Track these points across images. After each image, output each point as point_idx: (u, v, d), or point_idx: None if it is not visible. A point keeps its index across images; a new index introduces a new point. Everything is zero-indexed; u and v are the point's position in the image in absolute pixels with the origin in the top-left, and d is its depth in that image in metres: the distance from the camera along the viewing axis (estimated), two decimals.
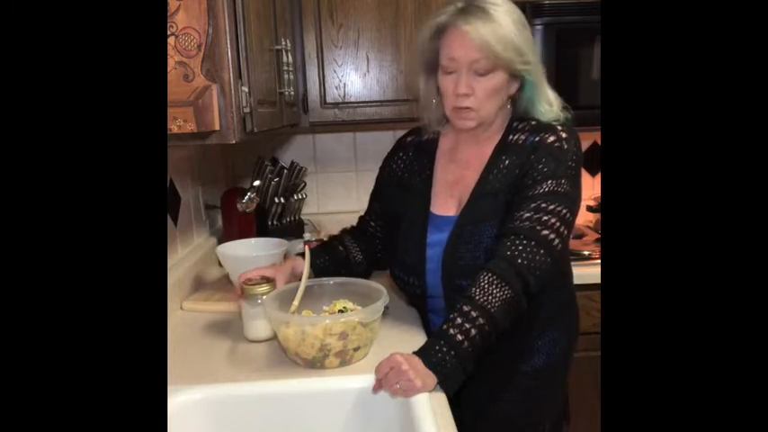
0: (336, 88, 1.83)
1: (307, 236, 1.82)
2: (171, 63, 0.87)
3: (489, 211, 1.10)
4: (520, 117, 1.16)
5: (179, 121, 0.86)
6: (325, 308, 1.22)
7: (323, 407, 1.00)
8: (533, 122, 1.14)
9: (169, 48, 0.86)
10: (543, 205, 1.05)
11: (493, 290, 1.00)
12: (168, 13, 0.85)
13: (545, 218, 1.04)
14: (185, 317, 1.39)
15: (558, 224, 1.05)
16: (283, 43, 1.34)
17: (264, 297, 1.14)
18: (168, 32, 0.86)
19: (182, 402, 0.96)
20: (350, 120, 1.86)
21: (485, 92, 1.09)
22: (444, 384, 0.95)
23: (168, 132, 0.85)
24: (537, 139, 1.10)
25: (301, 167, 2.06)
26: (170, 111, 0.85)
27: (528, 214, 1.05)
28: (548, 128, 1.11)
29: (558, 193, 1.06)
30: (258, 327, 1.20)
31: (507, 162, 1.12)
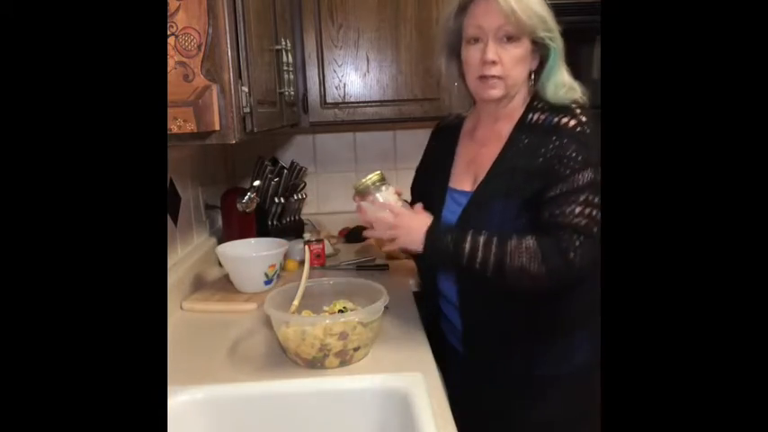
0: (336, 88, 1.83)
1: (307, 236, 1.82)
2: (171, 63, 0.87)
3: (503, 188, 1.09)
4: (539, 97, 1.15)
5: (179, 121, 0.86)
6: (325, 308, 1.22)
7: (323, 407, 1.00)
8: (552, 103, 1.13)
9: (169, 48, 0.86)
10: (590, 198, 1.03)
11: (523, 258, 1.02)
12: (168, 13, 0.85)
13: (594, 212, 1.03)
14: (185, 317, 1.39)
15: (599, 218, 1.03)
16: (283, 43, 1.34)
17: (383, 188, 1.14)
18: (168, 32, 0.86)
19: (182, 402, 0.96)
20: (350, 120, 1.86)
21: (512, 59, 1.09)
22: (420, 261, 1.06)
23: (168, 132, 0.85)
24: (555, 120, 1.09)
25: (301, 167, 2.06)
26: (170, 111, 0.85)
27: (579, 209, 1.03)
28: (565, 109, 1.10)
29: (597, 183, 1.04)
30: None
31: (527, 141, 1.11)
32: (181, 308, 1.43)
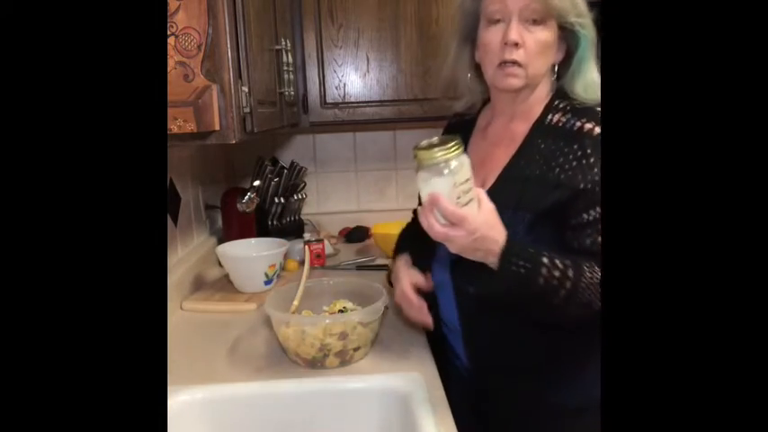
0: (336, 88, 1.83)
1: (307, 236, 1.82)
2: (171, 63, 0.87)
3: (513, 197, 0.96)
4: (562, 95, 1.02)
5: (179, 121, 0.86)
6: (325, 308, 1.22)
7: (323, 407, 1.00)
8: (576, 103, 0.99)
9: (169, 48, 0.86)
10: None
11: (592, 295, 0.89)
12: (168, 13, 0.85)
13: None
14: (185, 317, 1.39)
15: None
16: (283, 43, 1.34)
17: (453, 162, 0.81)
18: (168, 32, 0.86)
19: (182, 402, 0.96)
20: (350, 120, 1.86)
21: (536, 44, 0.96)
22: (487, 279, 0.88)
23: (168, 132, 0.85)
24: (579, 124, 0.95)
25: (301, 167, 2.06)
26: (170, 111, 0.85)
27: None
28: (592, 113, 0.96)
29: None
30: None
31: (543, 147, 0.98)
32: (181, 308, 1.43)
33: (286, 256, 1.62)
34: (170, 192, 1.52)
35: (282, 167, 1.99)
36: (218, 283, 1.58)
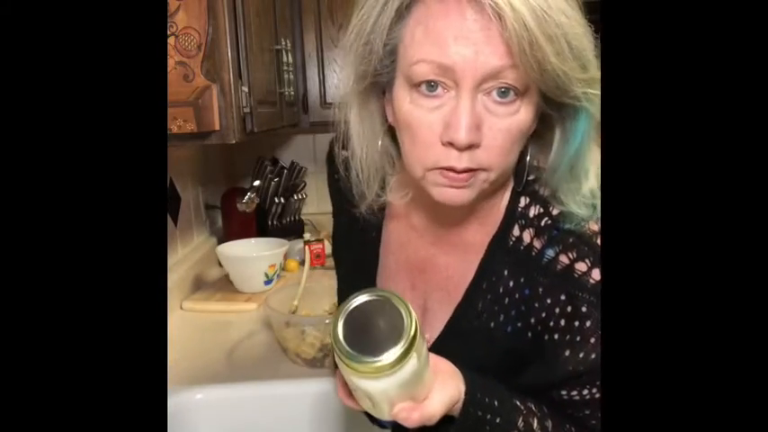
0: (336, 88, 1.83)
1: (307, 236, 1.82)
2: (171, 63, 0.87)
3: (474, 360, 0.62)
4: (528, 187, 0.64)
5: (179, 121, 0.86)
6: (325, 308, 1.22)
7: (323, 407, 1.00)
8: (556, 215, 0.61)
9: (169, 48, 0.86)
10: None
11: None
12: (168, 13, 0.85)
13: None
14: (185, 317, 1.39)
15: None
16: (283, 43, 1.34)
17: (409, 363, 0.50)
18: (168, 32, 0.86)
19: (182, 402, 0.96)
20: None
21: (505, 137, 0.55)
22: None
23: (168, 132, 0.85)
24: (565, 261, 0.59)
25: (301, 167, 2.06)
26: (170, 111, 0.85)
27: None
28: (584, 242, 0.59)
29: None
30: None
31: (495, 281, 0.63)
32: (181, 308, 1.43)
33: (286, 256, 1.62)
34: (170, 192, 1.52)
35: (282, 167, 2.00)
36: (218, 283, 1.58)
